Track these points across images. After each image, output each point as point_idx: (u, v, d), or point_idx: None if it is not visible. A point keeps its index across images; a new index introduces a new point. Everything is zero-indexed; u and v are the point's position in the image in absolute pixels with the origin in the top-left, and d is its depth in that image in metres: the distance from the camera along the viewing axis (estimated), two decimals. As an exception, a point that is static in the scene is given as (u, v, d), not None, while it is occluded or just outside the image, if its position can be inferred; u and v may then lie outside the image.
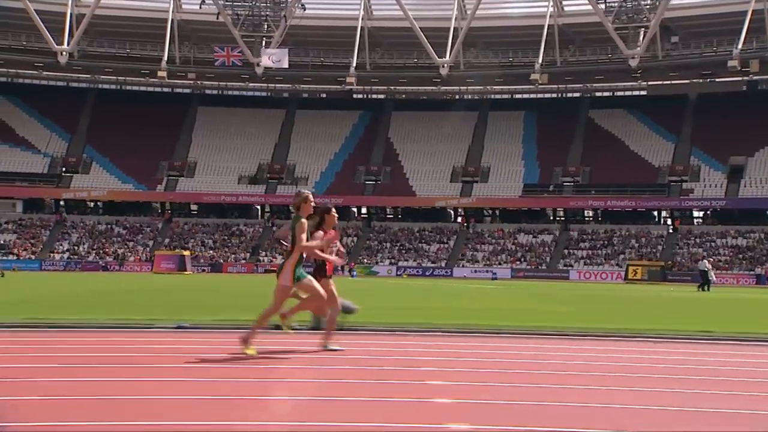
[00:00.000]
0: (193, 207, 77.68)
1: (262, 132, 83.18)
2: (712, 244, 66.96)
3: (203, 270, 62.30)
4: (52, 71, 78.38)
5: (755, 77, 79.07)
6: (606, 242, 69.35)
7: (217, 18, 64.40)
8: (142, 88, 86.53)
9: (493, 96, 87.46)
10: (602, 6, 63.74)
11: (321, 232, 9.86)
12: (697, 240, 67.91)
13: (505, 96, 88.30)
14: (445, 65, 68.69)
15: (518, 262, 66.91)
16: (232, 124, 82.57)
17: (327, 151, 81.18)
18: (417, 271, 64.60)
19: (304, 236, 9.34)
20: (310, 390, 7.06)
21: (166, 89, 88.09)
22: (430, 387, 7.20)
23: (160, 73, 67.08)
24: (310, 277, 9.61)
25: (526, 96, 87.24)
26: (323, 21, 75.43)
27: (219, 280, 40.96)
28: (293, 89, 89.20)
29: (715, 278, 40.43)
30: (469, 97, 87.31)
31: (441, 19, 73.01)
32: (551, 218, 76.77)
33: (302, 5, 64.75)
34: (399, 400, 6.58)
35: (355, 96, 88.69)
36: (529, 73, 68.19)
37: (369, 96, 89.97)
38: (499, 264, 66.81)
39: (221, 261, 66.13)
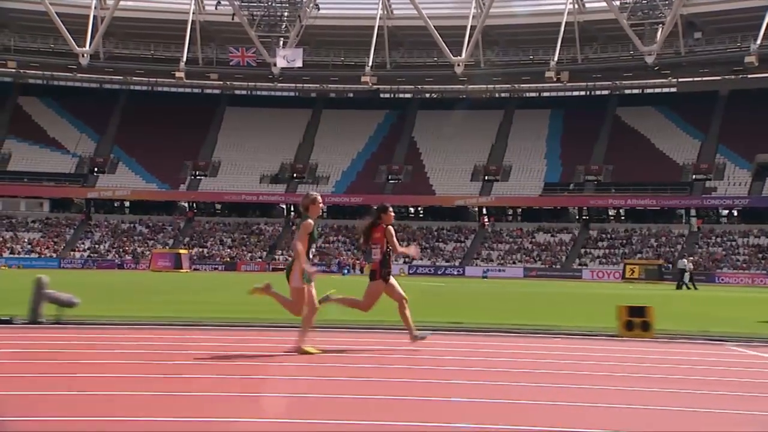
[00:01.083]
0: (218, 206, 78.88)
1: (287, 132, 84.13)
2: (733, 243, 66.06)
3: (215, 268, 63.33)
4: (80, 73, 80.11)
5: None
6: (625, 241, 68.76)
7: (233, 19, 65.43)
8: (173, 89, 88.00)
9: (520, 94, 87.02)
10: (617, 2, 62.95)
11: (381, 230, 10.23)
12: (718, 239, 66.95)
13: (533, 94, 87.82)
14: (461, 63, 68.50)
15: (532, 261, 66.63)
16: (258, 124, 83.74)
17: (350, 150, 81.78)
18: (429, 270, 64.86)
19: (305, 239, 9.50)
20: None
21: (196, 90, 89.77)
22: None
23: (177, 74, 68.15)
24: (311, 284, 9.64)
25: (553, 94, 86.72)
26: (345, 21, 76.14)
27: (169, 278, 41.38)
28: (321, 89, 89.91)
29: (687, 278, 40.20)
30: (500, 95, 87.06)
31: (461, 17, 72.65)
32: (577, 217, 76.10)
33: (316, 5, 65.29)
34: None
35: (382, 95, 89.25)
36: (544, 70, 67.42)
37: (396, 95, 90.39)
38: (513, 263, 66.79)
39: (237, 259, 67.10)
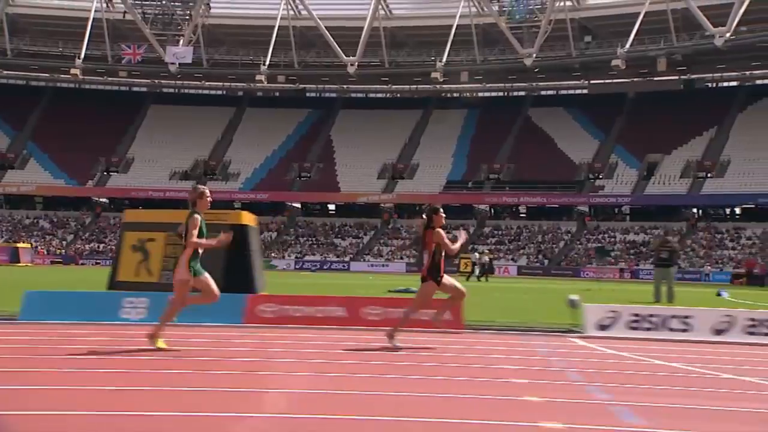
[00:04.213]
0: (126, 202, 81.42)
1: (207, 129, 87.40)
2: (612, 239, 68.89)
3: (97, 263, 65.84)
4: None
5: (693, 76, 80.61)
6: (513, 237, 71.50)
7: (124, 17, 68.41)
8: (100, 87, 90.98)
9: (440, 94, 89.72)
10: (495, 7, 65.90)
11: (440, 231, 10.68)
12: (600, 236, 70.02)
13: (455, 95, 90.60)
14: (353, 63, 71.52)
15: (419, 257, 69.36)
16: (179, 122, 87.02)
17: (267, 148, 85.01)
18: (316, 265, 67.52)
19: (195, 232, 9.66)
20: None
21: (123, 88, 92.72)
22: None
23: (73, 71, 71.24)
24: (206, 273, 9.97)
25: (472, 95, 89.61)
26: (256, 21, 78.71)
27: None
28: (248, 88, 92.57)
29: (477, 271, 43.55)
30: (453, 95, 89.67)
31: (361, 18, 75.01)
32: (489, 214, 78.70)
33: (208, 4, 68.32)
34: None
35: (308, 95, 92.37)
36: (430, 71, 70.60)
37: (321, 95, 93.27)
38: (401, 258, 69.55)
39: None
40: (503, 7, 67.09)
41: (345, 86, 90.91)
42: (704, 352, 11.41)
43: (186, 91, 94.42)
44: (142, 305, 13.04)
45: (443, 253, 10.82)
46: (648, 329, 13.02)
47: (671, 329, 12.88)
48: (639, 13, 65.64)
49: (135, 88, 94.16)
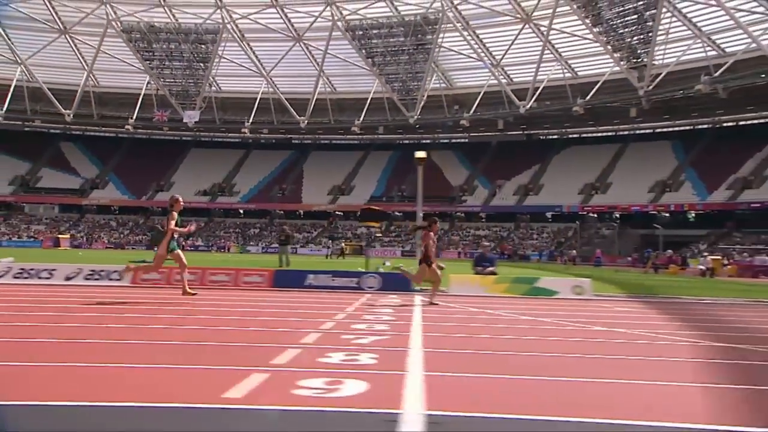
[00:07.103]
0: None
1: (224, 163, 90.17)
2: (468, 234, 70.97)
3: (133, 248, 68.12)
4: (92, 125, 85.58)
5: (531, 131, 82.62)
6: (408, 233, 73.60)
7: (157, 92, 71.01)
8: (160, 137, 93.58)
9: (375, 141, 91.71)
10: (391, 86, 68.23)
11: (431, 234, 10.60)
12: (461, 232, 72.05)
13: (387, 142, 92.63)
14: (304, 122, 73.86)
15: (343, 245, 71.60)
16: (207, 158, 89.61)
17: (260, 175, 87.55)
18: (276, 250, 69.44)
19: (173, 223, 9.95)
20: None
21: (176, 138, 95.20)
22: None
23: (126, 126, 73.81)
24: (179, 250, 9.97)
25: (397, 142, 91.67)
26: (248, 94, 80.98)
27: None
28: (254, 136, 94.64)
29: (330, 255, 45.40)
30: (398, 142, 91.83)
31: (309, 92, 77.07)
32: (398, 218, 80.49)
33: (214, 83, 70.93)
34: None
35: (293, 141, 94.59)
36: (350, 127, 72.92)
37: (302, 141, 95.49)
38: (327, 247, 71.63)
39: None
40: (394, 87, 69.50)
41: (316, 135, 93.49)
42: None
43: (215, 139, 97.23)
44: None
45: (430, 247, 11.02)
46: (93, 278, 13.32)
47: (107, 279, 13.27)
48: (481, 92, 68.51)
49: (184, 138, 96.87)
